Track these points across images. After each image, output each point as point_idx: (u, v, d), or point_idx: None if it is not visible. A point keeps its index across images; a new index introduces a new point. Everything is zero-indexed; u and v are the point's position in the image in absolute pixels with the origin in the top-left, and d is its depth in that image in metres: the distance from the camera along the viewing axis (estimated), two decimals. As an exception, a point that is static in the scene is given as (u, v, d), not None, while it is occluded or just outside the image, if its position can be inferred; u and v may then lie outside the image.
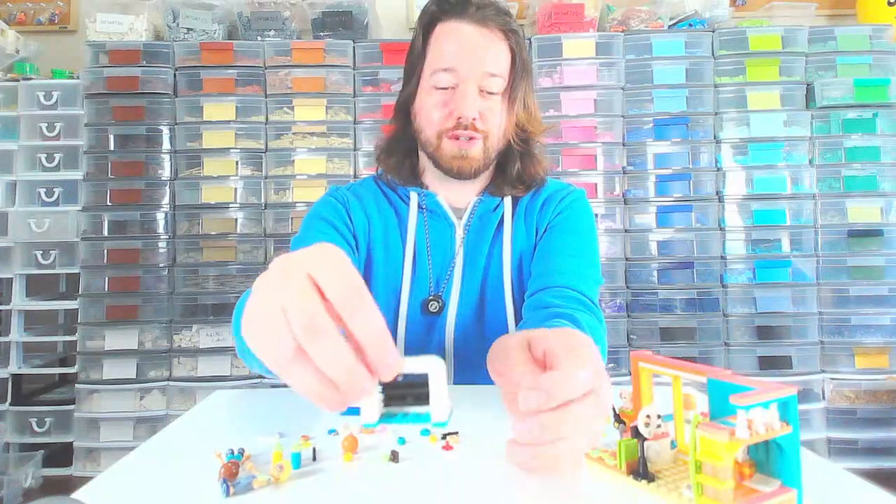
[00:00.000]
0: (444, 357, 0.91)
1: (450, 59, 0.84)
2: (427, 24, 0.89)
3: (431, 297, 0.90)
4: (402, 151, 0.95)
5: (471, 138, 0.86)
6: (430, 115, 0.87)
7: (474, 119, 0.85)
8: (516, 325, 0.89)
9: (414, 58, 0.91)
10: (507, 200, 0.95)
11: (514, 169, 0.93)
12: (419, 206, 0.94)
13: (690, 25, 2.29)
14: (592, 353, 0.50)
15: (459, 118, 0.84)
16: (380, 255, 0.93)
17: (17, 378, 2.21)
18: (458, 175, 0.89)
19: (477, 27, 0.85)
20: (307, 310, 0.38)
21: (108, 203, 2.19)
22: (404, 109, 0.94)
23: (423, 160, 0.95)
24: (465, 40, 0.85)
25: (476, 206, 0.95)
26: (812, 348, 2.14)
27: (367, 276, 0.92)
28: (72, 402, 2.15)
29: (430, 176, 0.95)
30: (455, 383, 0.91)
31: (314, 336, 0.38)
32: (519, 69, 0.88)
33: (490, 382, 0.90)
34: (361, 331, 0.39)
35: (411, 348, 0.91)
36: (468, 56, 0.84)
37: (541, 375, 0.46)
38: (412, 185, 0.95)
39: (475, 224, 0.94)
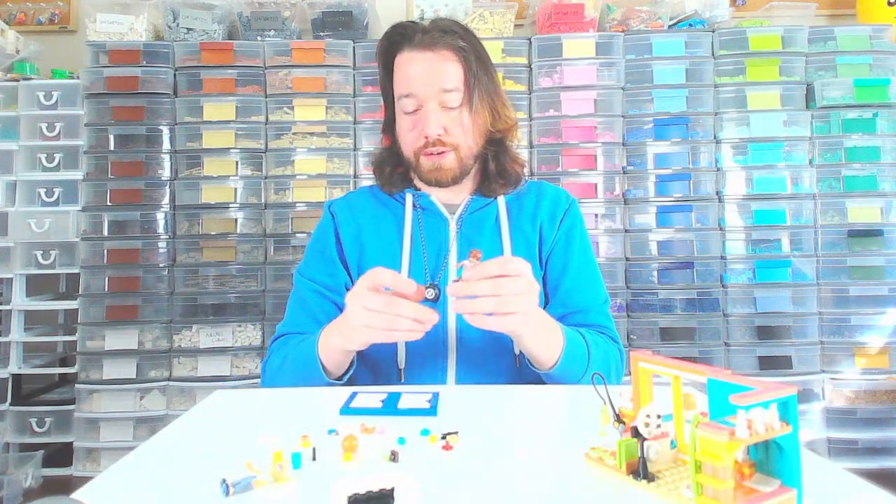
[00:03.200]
0: (445, 344, 0.94)
1: (408, 86, 0.95)
2: (385, 57, 1.00)
3: (428, 286, 0.94)
4: (393, 164, 1.05)
5: (441, 152, 0.96)
6: (405, 138, 0.99)
7: (440, 135, 0.95)
8: None
9: (383, 88, 1.04)
10: (501, 199, 1.04)
11: (492, 167, 1.02)
12: (413, 205, 1.03)
13: (690, 25, 2.29)
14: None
15: (427, 137, 0.95)
16: (375, 251, 1.00)
17: (17, 378, 2.21)
18: (438, 184, 0.99)
19: (424, 52, 0.95)
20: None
21: (108, 203, 2.19)
22: (390, 128, 1.05)
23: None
24: (418, 66, 0.95)
25: (469, 203, 1.03)
26: (812, 348, 2.14)
27: (362, 272, 0.98)
28: (72, 402, 2.15)
29: (421, 182, 1.04)
30: (458, 370, 0.94)
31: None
32: (472, 80, 0.96)
33: (491, 374, 0.93)
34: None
35: None
36: (422, 80, 0.94)
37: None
38: (406, 189, 1.04)
39: (469, 219, 1.02)
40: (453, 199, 1.03)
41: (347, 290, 1.00)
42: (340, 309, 0.98)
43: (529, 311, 0.75)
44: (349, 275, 1.02)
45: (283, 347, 0.95)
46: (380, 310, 0.73)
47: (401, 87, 0.96)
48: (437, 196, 1.02)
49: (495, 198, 1.03)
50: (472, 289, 0.72)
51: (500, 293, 0.72)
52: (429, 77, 0.94)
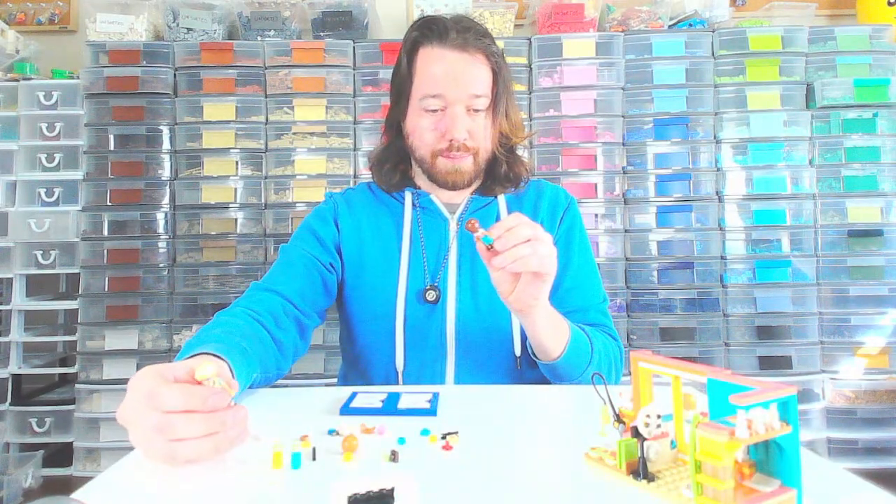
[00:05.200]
0: (444, 346, 0.94)
1: (437, 86, 0.92)
2: (410, 48, 0.96)
3: (428, 287, 0.95)
4: (394, 161, 1.03)
5: (460, 156, 0.94)
6: (423, 137, 0.95)
7: (464, 139, 0.93)
8: None
9: (400, 80, 0.98)
10: (502, 198, 1.03)
11: (501, 171, 1.01)
12: (413, 205, 1.01)
13: (690, 25, 2.29)
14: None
15: (451, 140, 0.93)
16: (374, 252, 0.99)
17: (17, 378, 2.21)
18: (453, 187, 0.98)
19: (459, 53, 0.92)
20: (152, 420, 0.51)
21: (108, 203, 2.18)
22: (395, 125, 1.01)
23: (416, 168, 1.03)
24: (450, 66, 0.92)
25: (469, 202, 1.02)
26: (812, 348, 2.14)
27: (360, 274, 0.99)
28: (72, 402, 2.15)
29: (422, 181, 1.03)
30: (456, 373, 0.94)
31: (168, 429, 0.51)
32: (501, 86, 0.95)
33: (491, 376, 0.93)
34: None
35: (412, 337, 0.95)
36: (454, 81, 0.91)
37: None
38: (406, 188, 1.03)
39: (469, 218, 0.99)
40: (454, 199, 1.02)
41: (334, 273, 0.98)
42: (325, 283, 0.96)
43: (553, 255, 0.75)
44: (342, 264, 1.00)
45: (221, 316, 0.84)
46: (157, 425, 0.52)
47: (428, 85, 0.93)
48: (438, 195, 1.01)
49: (495, 197, 1.03)
50: (513, 252, 0.72)
51: (537, 250, 0.72)
52: (461, 79, 0.91)
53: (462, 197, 1.02)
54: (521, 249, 0.71)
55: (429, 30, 0.94)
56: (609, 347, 0.93)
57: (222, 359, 0.67)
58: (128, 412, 0.53)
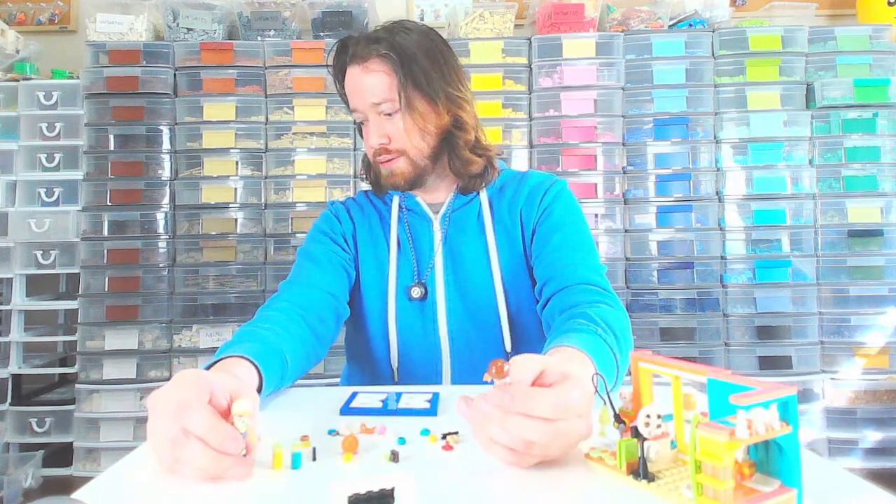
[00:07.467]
0: (438, 345, 0.96)
1: (350, 102, 0.97)
2: (336, 73, 1.01)
3: (414, 284, 0.97)
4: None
5: (390, 159, 0.96)
6: (366, 148, 1.00)
7: (382, 144, 0.95)
8: (507, 308, 0.96)
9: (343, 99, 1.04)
10: (483, 195, 1.02)
11: (447, 163, 1.00)
12: (400, 206, 1.04)
13: (690, 25, 2.29)
14: (579, 382, 0.53)
15: (373, 147, 0.96)
16: (368, 252, 1.02)
17: (17, 378, 2.21)
18: (395, 189, 1.00)
19: (357, 66, 0.95)
20: (172, 429, 0.51)
21: (108, 203, 2.18)
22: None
23: None
24: (351, 81, 0.96)
25: (451, 202, 1.03)
26: (812, 348, 2.14)
27: (358, 271, 1.03)
28: (72, 402, 2.15)
29: None
30: (453, 371, 0.95)
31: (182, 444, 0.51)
32: (402, 86, 0.93)
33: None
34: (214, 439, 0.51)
35: (404, 335, 0.97)
36: (356, 95, 0.95)
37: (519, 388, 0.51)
38: (391, 191, 1.05)
39: (452, 217, 1.02)
40: (437, 199, 1.03)
41: (352, 267, 1.01)
42: (349, 277, 0.99)
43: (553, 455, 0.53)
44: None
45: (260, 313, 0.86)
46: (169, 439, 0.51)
47: (349, 102, 0.98)
48: (422, 196, 1.03)
49: (477, 193, 1.02)
50: (499, 422, 0.50)
51: (527, 437, 0.49)
52: (360, 92, 0.94)
53: (444, 196, 1.03)
54: (489, 429, 0.51)
55: (342, 52, 0.98)
56: (624, 329, 0.81)
57: (255, 365, 0.69)
58: (158, 404, 0.54)
